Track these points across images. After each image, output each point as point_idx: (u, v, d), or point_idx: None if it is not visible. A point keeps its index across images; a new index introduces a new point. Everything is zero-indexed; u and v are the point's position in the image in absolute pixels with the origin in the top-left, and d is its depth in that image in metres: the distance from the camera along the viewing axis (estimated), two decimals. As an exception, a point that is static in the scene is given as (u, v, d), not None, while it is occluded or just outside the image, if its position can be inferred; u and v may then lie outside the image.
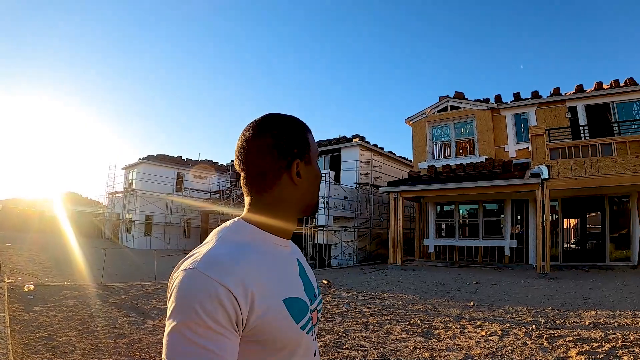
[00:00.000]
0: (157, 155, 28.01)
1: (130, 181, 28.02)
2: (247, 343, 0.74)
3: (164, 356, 0.68)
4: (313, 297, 0.93)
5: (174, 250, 23.67)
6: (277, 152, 0.86)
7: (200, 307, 0.67)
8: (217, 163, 31.46)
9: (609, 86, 15.17)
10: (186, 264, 0.74)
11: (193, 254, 0.77)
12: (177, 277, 0.73)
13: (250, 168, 0.87)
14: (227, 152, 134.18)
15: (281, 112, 0.93)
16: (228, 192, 24.23)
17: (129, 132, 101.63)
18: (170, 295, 0.72)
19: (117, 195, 28.26)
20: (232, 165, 28.39)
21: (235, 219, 0.88)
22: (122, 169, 29.29)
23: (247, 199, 0.90)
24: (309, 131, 0.94)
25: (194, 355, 0.65)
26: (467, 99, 17.61)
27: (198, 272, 0.71)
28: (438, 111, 18.11)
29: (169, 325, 0.69)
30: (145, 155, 27.33)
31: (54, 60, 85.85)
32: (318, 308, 0.96)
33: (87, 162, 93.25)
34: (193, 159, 30.33)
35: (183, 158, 29.69)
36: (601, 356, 4.68)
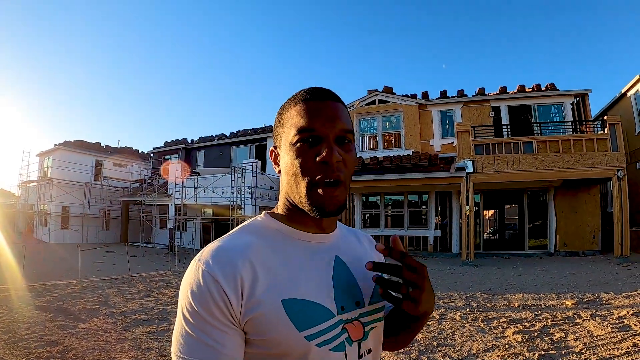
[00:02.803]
0: (75, 141, 24.09)
1: (45, 169, 23.79)
2: (248, 344, 0.65)
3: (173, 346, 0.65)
4: (354, 305, 0.73)
5: (93, 244, 20.69)
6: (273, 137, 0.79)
7: (194, 298, 0.62)
8: (138, 150, 28.17)
9: (530, 89, 15.43)
10: (196, 256, 0.68)
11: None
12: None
13: None
14: (148, 139, 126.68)
15: (314, 86, 0.75)
16: (150, 181, 21.65)
17: (43, 117, 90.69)
18: None
19: (31, 184, 24.06)
20: (154, 153, 25.66)
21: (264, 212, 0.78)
22: (36, 155, 24.82)
23: None
24: (296, 102, 0.72)
25: (193, 348, 0.62)
26: (395, 93, 16.95)
27: (197, 263, 0.65)
28: (367, 104, 17.26)
29: (177, 314, 0.66)
30: (61, 141, 23.48)
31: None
32: (363, 321, 0.73)
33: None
34: (112, 146, 26.74)
35: (102, 144, 25.94)
36: (535, 334, 4.73)
